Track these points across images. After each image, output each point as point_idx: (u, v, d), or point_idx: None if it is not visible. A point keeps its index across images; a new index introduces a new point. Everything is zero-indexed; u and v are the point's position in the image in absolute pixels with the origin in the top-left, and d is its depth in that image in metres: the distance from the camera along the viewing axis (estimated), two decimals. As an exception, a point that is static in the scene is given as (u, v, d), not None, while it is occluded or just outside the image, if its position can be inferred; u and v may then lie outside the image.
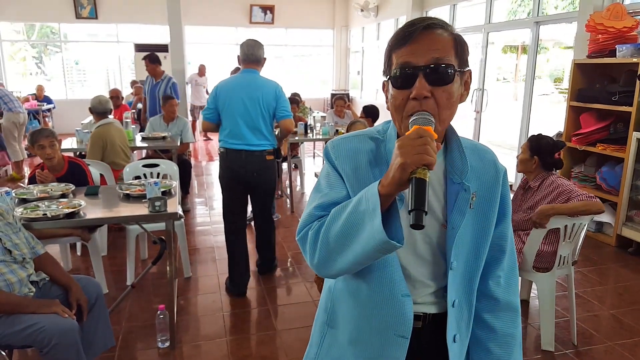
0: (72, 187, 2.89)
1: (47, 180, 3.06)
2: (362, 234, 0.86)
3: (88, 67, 11.16)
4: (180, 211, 2.63)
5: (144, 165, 3.78)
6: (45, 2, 9.85)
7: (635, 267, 3.72)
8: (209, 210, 5.13)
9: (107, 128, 4.21)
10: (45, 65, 11.31)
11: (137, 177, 3.66)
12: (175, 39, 7.53)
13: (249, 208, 3.38)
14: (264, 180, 3.19)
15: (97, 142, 4.12)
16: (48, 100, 9.43)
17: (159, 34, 10.38)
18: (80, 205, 2.51)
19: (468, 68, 0.98)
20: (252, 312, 3.05)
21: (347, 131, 3.75)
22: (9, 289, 1.97)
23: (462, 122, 6.77)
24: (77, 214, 2.45)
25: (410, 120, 0.90)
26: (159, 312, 2.57)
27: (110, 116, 4.59)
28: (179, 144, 4.85)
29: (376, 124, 3.80)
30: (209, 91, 9.51)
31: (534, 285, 3.15)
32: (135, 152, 5.00)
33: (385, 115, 1.01)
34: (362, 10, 10.01)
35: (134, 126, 5.14)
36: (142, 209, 2.55)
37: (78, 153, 4.48)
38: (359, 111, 6.05)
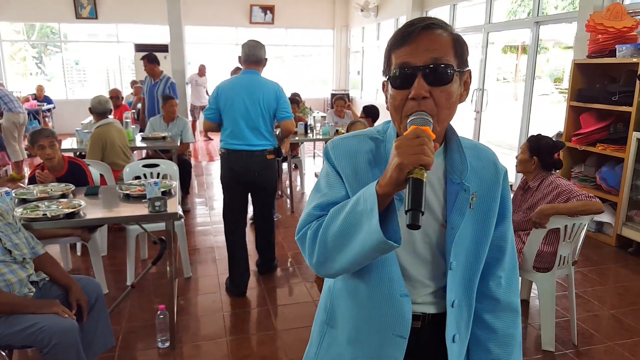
0: (72, 187, 2.89)
1: (47, 181, 3.06)
2: (360, 234, 0.87)
3: (88, 67, 11.16)
4: (180, 211, 2.63)
5: (144, 166, 3.78)
6: (45, 2, 9.85)
7: (635, 267, 3.72)
8: (209, 210, 5.13)
9: (107, 128, 4.21)
10: (45, 65, 11.32)
11: (137, 177, 3.67)
12: (175, 39, 7.53)
13: (250, 208, 3.39)
14: (266, 179, 3.20)
15: (97, 142, 4.12)
16: (48, 100, 9.43)
17: (159, 34, 10.38)
18: (80, 205, 2.51)
19: (468, 68, 0.98)
20: (252, 312, 3.05)
21: (347, 131, 3.75)
22: (9, 289, 1.97)
23: (462, 122, 6.78)
24: (77, 214, 2.45)
25: (408, 121, 0.90)
26: (159, 312, 2.57)
27: (110, 116, 4.59)
28: (179, 144, 4.86)
29: (376, 124, 3.80)
30: (209, 91, 9.52)
31: (534, 285, 3.15)
32: (135, 152, 5.00)
33: (385, 115, 1.01)
34: (362, 10, 10.02)
35: (134, 126, 5.14)
36: (142, 209, 2.55)
37: (78, 153, 4.48)
38: (359, 111, 6.05)
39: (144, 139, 4.98)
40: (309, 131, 5.31)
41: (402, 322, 1.00)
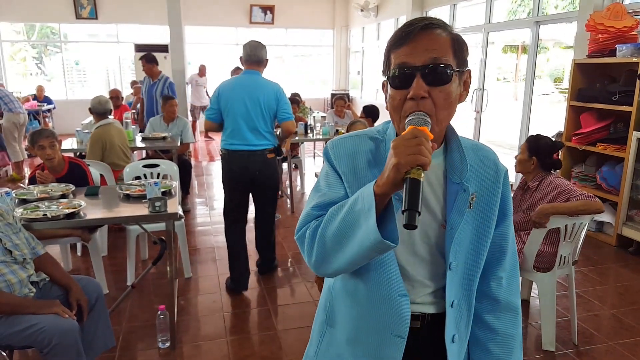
0: (72, 187, 2.89)
1: (47, 181, 3.05)
2: (358, 234, 0.87)
3: (88, 67, 11.16)
4: (180, 211, 2.63)
5: (144, 166, 3.79)
6: (46, 3, 9.85)
7: (635, 267, 3.72)
8: (209, 211, 5.14)
9: (107, 128, 4.21)
10: (46, 66, 11.32)
11: (137, 178, 3.67)
12: (175, 39, 7.53)
13: (251, 208, 3.39)
14: (267, 177, 3.21)
15: (97, 142, 4.12)
16: (48, 100, 9.42)
17: (159, 34, 10.38)
18: (81, 205, 2.51)
19: (467, 68, 0.97)
20: (253, 312, 3.05)
21: (347, 131, 3.75)
22: (9, 289, 1.97)
23: (462, 122, 6.78)
24: (77, 215, 2.45)
25: (406, 121, 0.90)
26: (159, 312, 2.57)
27: (110, 116, 4.59)
28: (179, 144, 4.86)
29: (376, 124, 3.81)
30: (209, 92, 9.52)
31: (534, 285, 3.15)
32: (135, 152, 5.00)
33: (385, 115, 1.01)
34: (362, 10, 10.01)
35: (134, 126, 5.14)
36: (142, 209, 2.55)
37: (78, 153, 4.48)
38: (359, 111, 6.05)
39: (144, 139, 4.98)
40: (309, 131, 5.32)
41: (401, 322, 1.00)
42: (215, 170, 7.18)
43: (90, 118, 5.36)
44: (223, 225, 3.34)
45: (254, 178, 3.17)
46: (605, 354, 2.57)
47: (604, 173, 4.28)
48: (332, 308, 1.11)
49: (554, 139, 2.75)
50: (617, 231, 4.08)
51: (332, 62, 12.25)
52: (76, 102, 10.08)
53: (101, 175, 3.74)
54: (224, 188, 3.29)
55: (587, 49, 4.41)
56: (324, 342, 1.13)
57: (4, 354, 2.04)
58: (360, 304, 1.03)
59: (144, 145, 4.89)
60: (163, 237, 2.73)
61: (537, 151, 2.65)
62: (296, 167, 6.61)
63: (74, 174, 3.21)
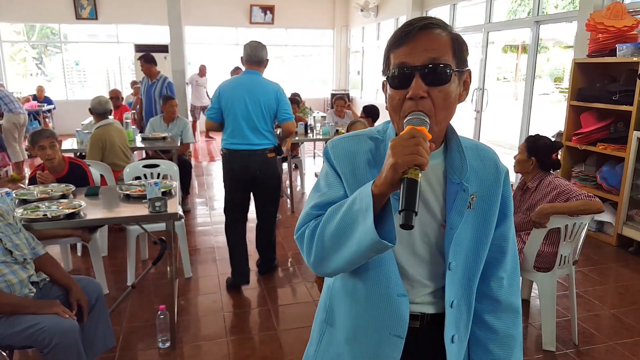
0: (72, 187, 2.89)
1: (47, 181, 3.06)
2: (356, 233, 0.87)
3: (88, 67, 11.16)
4: (180, 211, 2.63)
5: (144, 166, 3.79)
6: (46, 3, 9.85)
7: (635, 267, 3.72)
8: (209, 211, 5.14)
9: (107, 129, 4.21)
10: (46, 66, 11.32)
11: (138, 178, 3.67)
12: (175, 39, 7.53)
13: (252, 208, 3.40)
14: (268, 176, 3.22)
15: (97, 142, 4.12)
16: (48, 101, 9.43)
17: (159, 35, 10.38)
18: (81, 205, 2.51)
19: (467, 68, 0.97)
20: (253, 312, 3.05)
21: (347, 131, 3.75)
22: (9, 290, 1.97)
23: (462, 122, 6.78)
24: (77, 215, 2.45)
25: (405, 121, 0.90)
26: (159, 312, 2.57)
27: (111, 117, 4.59)
28: (179, 144, 4.86)
29: (376, 124, 3.81)
30: (210, 92, 9.52)
31: (534, 285, 3.15)
32: (135, 152, 5.00)
33: (385, 115, 1.01)
34: (362, 10, 10.01)
35: (134, 126, 5.14)
36: (142, 210, 2.55)
37: (78, 154, 4.48)
38: (359, 111, 6.05)
39: (144, 139, 4.98)
40: (309, 131, 5.32)
41: (400, 322, 1.00)
42: (216, 170, 7.18)
43: (91, 118, 5.35)
44: (223, 226, 3.35)
45: (255, 177, 3.18)
46: (605, 354, 2.57)
47: (604, 173, 4.27)
48: (331, 307, 1.11)
49: (553, 139, 2.74)
50: (618, 231, 4.08)
51: (332, 62, 12.24)
52: (76, 103, 10.08)
53: (101, 176, 3.74)
54: (224, 187, 3.31)
55: (587, 48, 4.41)
56: (323, 341, 1.13)
57: (4, 354, 2.04)
58: (359, 303, 1.03)
59: (144, 145, 4.89)
60: (163, 237, 2.73)
61: (536, 151, 2.65)
62: (296, 167, 6.61)
63: (74, 174, 3.21)
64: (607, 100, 4.13)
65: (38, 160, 3.58)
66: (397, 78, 0.92)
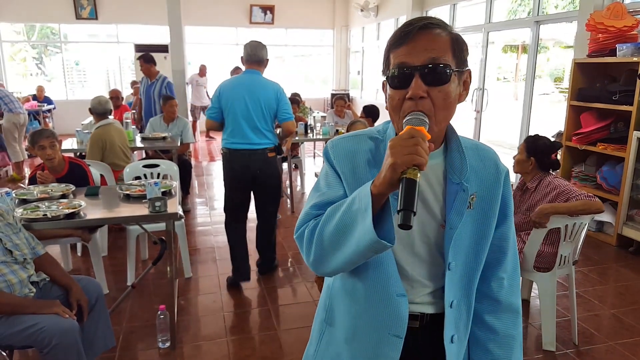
0: (72, 187, 2.89)
1: (47, 181, 3.05)
2: (355, 233, 0.87)
3: (88, 67, 11.16)
4: (180, 211, 2.63)
5: (144, 166, 3.79)
6: (46, 3, 9.85)
7: (636, 267, 3.72)
8: (209, 211, 5.14)
9: (107, 129, 4.21)
10: (46, 66, 11.32)
11: (137, 178, 3.67)
12: (175, 39, 7.53)
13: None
14: (268, 175, 3.24)
15: (97, 142, 4.12)
16: (48, 100, 9.43)
17: (159, 35, 10.38)
18: (81, 205, 2.51)
19: (467, 68, 0.97)
20: (253, 312, 3.05)
21: (347, 131, 3.76)
22: (9, 290, 1.97)
23: (462, 122, 6.78)
24: (77, 215, 2.45)
25: (404, 121, 0.90)
26: (159, 312, 2.57)
27: (111, 117, 4.59)
28: (179, 144, 4.86)
29: (376, 123, 3.82)
30: (210, 92, 9.52)
31: (534, 285, 3.15)
32: (135, 152, 5.00)
33: (385, 115, 1.01)
34: (362, 10, 10.01)
35: (134, 126, 5.14)
36: (142, 210, 2.55)
37: (78, 154, 4.48)
38: (359, 111, 6.04)
39: (144, 139, 4.98)
40: (309, 131, 5.32)
41: (399, 322, 1.00)
42: (216, 170, 7.19)
43: (90, 118, 5.35)
44: (223, 226, 3.36)
45: (255, 177, 3.20)
46: (605, 354, 2.57)
47: (604, 173, 4.27)
48: (331, 307, 1.11)
49: (553, 139, 2.74)
50: (618, 231, 4.08)
51: (332, 62, 12.24)
52: (76, 103, 10.08)
53: (101, 176, 3.74)
54: (224, 186, 3.32)
55: (588, 48, 4.41)
56: (323, 340, 1.13)
57: (4, 353, 2.04)
58: (358, 303, 1.03)
59: (144, 145, 4.89)
60: (163, 237, 2.73)
61: (536, 151, 2.65)
62: (296, 167, 6.61)
63: (74, 174, 3.21)
64: (607, 100, 4.13)
65: (38, 160, 3.58)
66: (397, 78, 0.92)
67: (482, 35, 6.73)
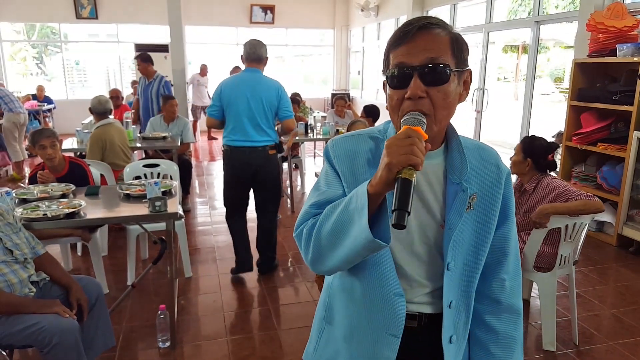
0: (72, 187, 2.89)
1: (48, 180, 3.05)
2: (351, 232, 0.87)
3: (88, 67, 11.16)
4: (180, 211, 2.63)
5: (144, 165, 3.79)
6: (46, 3, 9.85)
7: (636, 267, 3.72)
8: (209, 210, 5.13)
9: (107, 128, 4.21)
10: (46, 66, 11.32)
11: (138, 177, 3.67)
12: (175, 39, 7.52)
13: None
14: (268, 171, 3.27)
15: (97, 142, 4.12)
16: (48, 100, 9.43)
17: (159, 34, 10.38)
18: (81, 205, 2.51)
19: (467, 68, 0.97)
20: (253, 312, 3.05)
21: (348, 131, 3.76)
22: (9, 289, 1.97)
23: (462, 122, 6.77)
24: (77, 214, 2.45)
25: (401, 120, 0.90)
26: (159, 312, 2.57)
27: (111, 116, 4.59)
28: (179, 144, 4.85)
29: (377, 123, 3.84)
30: (211, 92, 9.51)
31: (534, 285, 3.15)
32: (135, 152, 5.00)
33: (386, 115, 1.01)
34: (362, 10, 10.01)
35: (134, 126, 5.14)
36: (142, 209, 2.55)
37: (78, 153, 4.48)
38: (359, 111, 6.04)
39: (144, 138, 4.98)
40: (309, 131, 5.32)
41: (396, 321, 1.00)
42: (216, 170, 7.19)
43: (91, 118, 5.36)
44: (223, 225, 3.39)
45: (256, 174, 3.25)
46: (605, 354, 2.57)
47: (604, 173, 4.27)
48: (330, 305, 1.12)
49: (553, 139, 2.74)
50: (618, 231, 4.07)
51: (332, 62, 12.24)
52: (76, 102, 10.08)
53: (101, 175, 3.74)
54: (225, 183, 3.38)
55: (588, 48, 4.41)
56: (322, 338, 1.13)
57: (4, 353, 2.04)
58: (356, 301, 1.04)
59: (144, 145, 4.88)
60: (163, 237, 2.73)
61: (532, 152, 2.65)
62: (296, 166, 6.61)
63: (74, 173, 3.21)
64: (608, 100, 4.13)
65: (38, 160, 3.58)
66: (396, 78, 0.92)
67: (483, 35, 6.73)
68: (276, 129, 3.36)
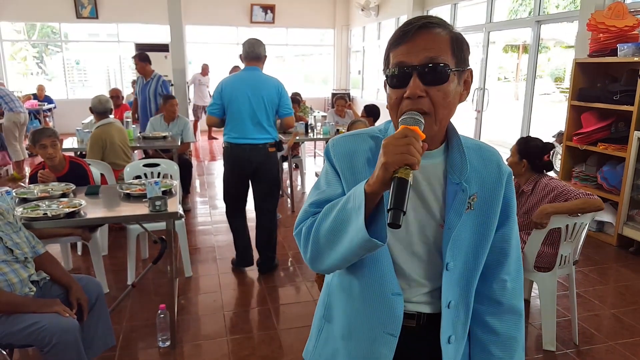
0: (72, 186, 2.89)
1: (49, 180, 3.06)
2: (348, 231, 0.88)
3: (89, 66, 11.16)
4: (180, 211, 2.63)
5: (145, 165, 3.79)
6: (46, 2, 9.85)
7: (636, 267, 3.72)
8: (210, 210, 5.14)
9: (107, 128, 4.21)
10: (46, 65, 11.32)
11: (138, 177, 3.67)
12: (175, 38, 7.53)
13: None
14: (268, 168, 3.32)
15: (97, 142, 4.12)
16: (49, 100, 9.43)
17: (159, 34, 10.38)
18: (81, 204, 2.51)
19: (468, 67, 0.97)
20: (253, 311, 3.05)
21: (348, 130, 3.77)
22: (10, 289, 1.97)
23: (463, 122, 6.77)
24: (77, 214, 2.45)
25: (399, 120, 0.90)
26: (159, 311, 2.57)
27: (111, 116, 4.59)
28: (179, 143, 4.85)
29: (377, 123, 3.84)
30: (212, 91, 9.51)
31: (534, 285, 3.15)
32: (135, 151, 5.00)
33: (386, 115, 1.01)
34: (362, 10, 10.01)
35: (134, 126, 5.14)
36: (142, 209, 2.55)
37: (79, 153, 4.48)
38: (359, 111, 6.04)
39: (144, 138, 4.98)
40: (309, 131, 5.31)
41: (393, 320, 1.00)
42: (217, 169, 7.19)
43: (91, 117, 5.35)
44: (223, 225, 3.41)
45: (255, 171, 3.29)
46: (605, 354, 2.57)
47: (605, 173, 4.27)
48: (329, 304, 1.12)
49: (554, 139, 2.74)
50: (618, 231, 4.07)
51: (332, 62, 12.23)
52: (77, 102, 10.08)
53: (101, 175, 3.74)
54: (225, 179, 3.42)
55: (588, 48, 4.40)
56: (322, 337, 1.14)
57: (5, 352, 2.04)
58: (354, 300, 1.04)
59: (144, 144, 4.88)
60: (163, 237, 2.73)
61: (528, 153, 2.65)
62: (297, 166, 6.60)
63: (74, 173, 3.22)
64: (608, 100, 4.13)
65: (38, 159, 3.58)
66: (396, 77, 0.92)
67: (483, 35, 6.73)
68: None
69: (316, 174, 6.85)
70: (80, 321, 2.03)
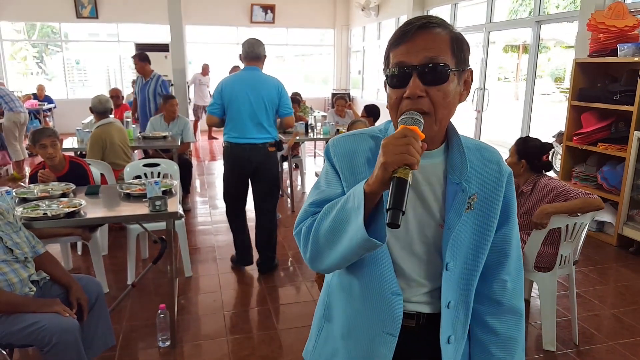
0: (72, 186, 2.89)
1: (49, 180, 3.06)
2: (348, 231, 0.88)
3: (89, 66, 11.16)
4: (180, 210, 2.63)
5: (145, 165, 3.79)
6: (46, 2, 9.85)
7: (636, 267, 3.72)
8: (210, 210, 5.13)
9: (107, 128, 4.21)
10: (46, 65, 11.32)
11: (138, 177, 3.67)
12: (175, 38, 7.52)
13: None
14: (268, 168, 3.33)
15: (97, 142, 4.12)
16: (49, 99, 9.43)
17: (159, 34, 10.38)
18: (81, 204, 2.51)
19: (468, 67, 0.97)
20: (253, 311, 3.05)
21: (348, 130, 3.77)
22: (10, 288, 1.97)
23: (463, 122, 6.77)
24: (77, 214, 2.45)
25: (399, 120, 0.90)
26: (159, 311, 2.57)
27: (111, 116, 4.59)
28: (179, 143, 4.85)
29: (377, 123, 3.84)
30: (212, 91, 9.51)
31: (534, 285, 3.15)
32: (135, 151, 5.00)
33: (386, 115, 1.01)
34: (363, 10, 10.01)
35: (134, 125, 5.14)
36: (142, 209, 2.55)
37: (79, 152, 4.48)
38: (359, 111, 6.04)
39: (144, 138, 4.98)
40: (309, 131, 5.31)
41: (393, 320, 1.00)
42: (217, 169, 7.19)
43: (91, 117, 5.35)
44: (223, 225, 3.41)
45: (255, 170, 3.30)
46: (605, 354, 2.57)
47: (605, 173, 4.27)
48: (329, 303, 1.12)
49: (554, 138, 2.74)
50: (618, 231, 4.07)
51: (332, 62, 12.23)
52: (77, 101, 10.08)
53: (102, 175, 3.74)
54: (224, 178, 3.43)
55: (589, 48, 4.40)
56: (321, 336, 1.14)
57: (5, 352, 2.04)
58: (354, 300, 1.04)
59: (144, 144, 4.88)
60: (163, 236, 2.73)
61: (526, 154, 2.65)
62: (297, 166, 6.60)
63: (74, 173, 3.22)
64: (608, 100, 4.13)
65: (38, 159, 3.58)
66: (396, 77, 0.92)
67: (483, 35, 6.73)
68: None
69: (316, 174, 6.85)
70: (80, 321, 2.03)
